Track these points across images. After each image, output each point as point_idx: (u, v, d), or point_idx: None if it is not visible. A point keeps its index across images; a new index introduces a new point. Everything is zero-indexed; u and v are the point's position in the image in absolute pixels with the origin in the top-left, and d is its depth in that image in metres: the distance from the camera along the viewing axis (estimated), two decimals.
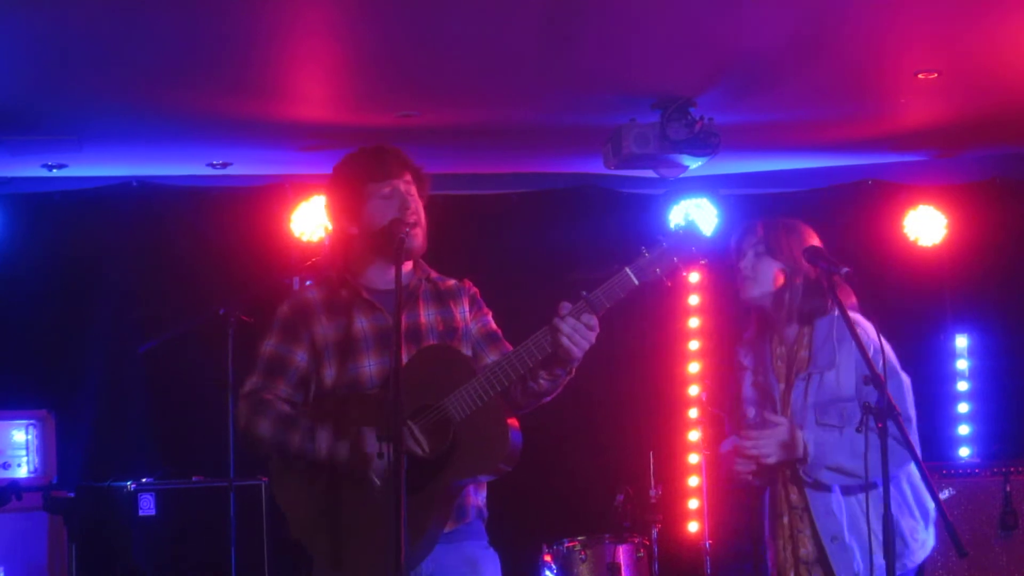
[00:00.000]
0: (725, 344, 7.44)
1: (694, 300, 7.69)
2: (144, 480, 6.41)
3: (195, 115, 6.10)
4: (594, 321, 3.57)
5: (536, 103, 6.15)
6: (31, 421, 6.52)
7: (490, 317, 3.96)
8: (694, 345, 7.65)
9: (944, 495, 6.68)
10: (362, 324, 3.79)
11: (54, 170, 6.91)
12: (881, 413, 3.69)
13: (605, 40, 5.18)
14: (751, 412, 4.24)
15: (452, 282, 3.95)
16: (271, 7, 4.70)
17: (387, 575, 3.30)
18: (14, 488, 6.19)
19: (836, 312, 4.05)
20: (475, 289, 3.97)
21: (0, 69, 5.30)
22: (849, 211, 7.44)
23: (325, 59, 5.54)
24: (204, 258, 7.13)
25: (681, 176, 6.91)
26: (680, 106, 5.90)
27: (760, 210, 7.03)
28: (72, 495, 6.44)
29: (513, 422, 3.67)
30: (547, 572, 6.33)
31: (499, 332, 3.94)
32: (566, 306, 3.59)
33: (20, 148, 6.39)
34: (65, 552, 6.27)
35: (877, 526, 3.88)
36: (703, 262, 3.63)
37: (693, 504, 7.40)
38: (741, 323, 4.47)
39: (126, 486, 6.34)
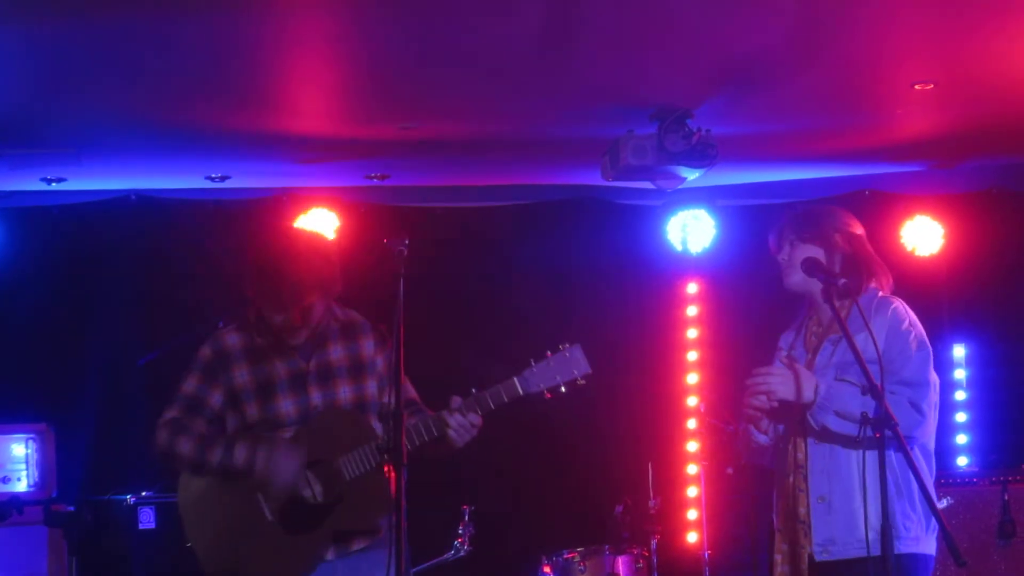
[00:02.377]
0: (723, 355, 7.46)
1: (692, 311, 7.70)
2: (144, 493, 6.40)
3: (194, 128, 6.11)
4: (479, 420, 4.03)
5: (534, 115, 6.16)
6: (30, 435, 6.51)
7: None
8: (692, 356, 7.65)
9: (942, 504, 6.69)
10: (278, 368, 4.16)
11: (53, 184, 6.91)
12: (879, 423, 3.72)
13: (603, 52, 5.19)
14: None
15: (357, 317, 4.29)
16: (270, 20, 4.71)
17: None
18: (14, 502, 6.17)
19: (878, 292, 4.12)
20: (383, 327, 4.25)
21: None
22: None
23: (324, 71, 5.54)
24: (203, 271, 7.11)
25: (679, 187, 6.92)
26: (678, 117, 5.90)
27: (758, 221, 7.03)
28: (72, 509, 6.42)
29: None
30: None
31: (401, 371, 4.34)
32: (456, 400, 4.02)
33: (19, 162, 6.39)
34: (65, 566, 6.24)
35: (872, 496, 3.90)
36: (582, 383, 4.00)
37: (692, 515, 7.40)
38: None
39: (126, 499, 6.34)
